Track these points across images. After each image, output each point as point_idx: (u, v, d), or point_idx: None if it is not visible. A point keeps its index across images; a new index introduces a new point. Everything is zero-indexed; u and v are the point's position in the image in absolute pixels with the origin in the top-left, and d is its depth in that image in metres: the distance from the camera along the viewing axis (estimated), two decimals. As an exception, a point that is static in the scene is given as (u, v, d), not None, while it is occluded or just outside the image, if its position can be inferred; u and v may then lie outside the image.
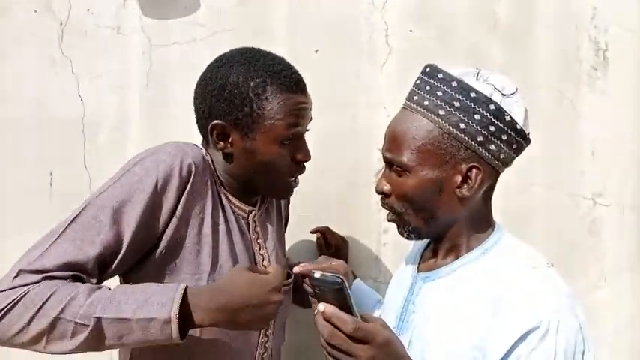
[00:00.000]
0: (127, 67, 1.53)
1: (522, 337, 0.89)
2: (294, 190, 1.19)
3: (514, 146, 0.99)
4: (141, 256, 1.03)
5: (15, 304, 0.89)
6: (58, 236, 0.95)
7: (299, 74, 1.15)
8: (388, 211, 1.04)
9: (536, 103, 1.68)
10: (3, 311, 0.89)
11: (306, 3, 1.60)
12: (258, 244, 1.19)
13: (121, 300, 0.91)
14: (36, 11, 1.50)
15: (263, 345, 1.16)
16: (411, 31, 1.62)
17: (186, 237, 1.05)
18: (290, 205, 1.45)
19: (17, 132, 1.48)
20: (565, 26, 1.64)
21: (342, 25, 1.60)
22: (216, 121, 1.09)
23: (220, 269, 1.08)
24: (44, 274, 0.91)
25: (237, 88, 1.08)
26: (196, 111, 1.13)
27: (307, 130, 1.19)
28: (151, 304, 0.91)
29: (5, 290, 0.90)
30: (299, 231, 1.56)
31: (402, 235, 1.05)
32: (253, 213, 1.20)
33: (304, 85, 1.15)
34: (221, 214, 1.12)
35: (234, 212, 1.16)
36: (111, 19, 1.53)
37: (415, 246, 1.20)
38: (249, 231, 1.18)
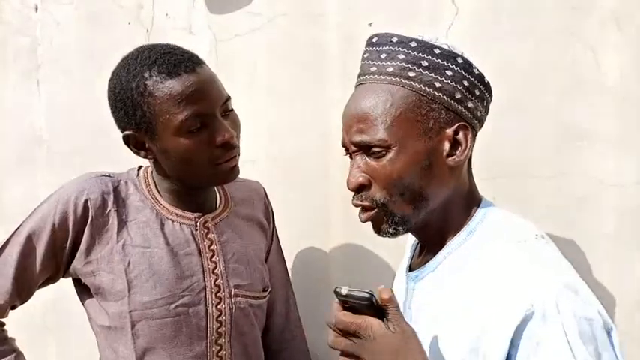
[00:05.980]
0: (198, 64, 1.61)
1: (519, 331, 0.74)
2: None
3: (484, 102, 0.92)
4: (76, 279, 1.17)
5: None
6: None
7: (182, 55, 1.08)
8: (364, 211, 0.90)
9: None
10: None
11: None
12: (212, 250, 1.14)
13: None
14: (129, 23, 1.68)
15: (215, 354, 1.14)
16: (485, -17, 1.35)
17: (98, 269, 1.11)
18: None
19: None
20: None
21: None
22: (125, 133, 1.10)
23: (140, 289, 1.10)
24: None
25: (123, 94, 1.07)
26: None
27: (229, 109, 1.10)
28: None
29: None
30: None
31: (387, 234, 0.90)
32: (202, 219, 1.15)
33: (191, 63, 1.07)
34: (137, 235, 1.12)
35: (167, 224, 1.13)
36: (183, 20, 1.63)
37: (408, 243, 1.07)
38: (194, 239, 1.14)
